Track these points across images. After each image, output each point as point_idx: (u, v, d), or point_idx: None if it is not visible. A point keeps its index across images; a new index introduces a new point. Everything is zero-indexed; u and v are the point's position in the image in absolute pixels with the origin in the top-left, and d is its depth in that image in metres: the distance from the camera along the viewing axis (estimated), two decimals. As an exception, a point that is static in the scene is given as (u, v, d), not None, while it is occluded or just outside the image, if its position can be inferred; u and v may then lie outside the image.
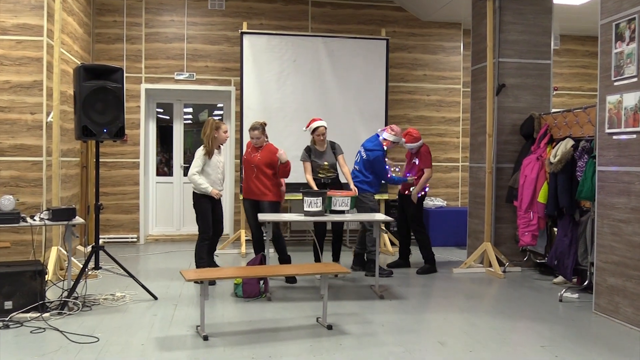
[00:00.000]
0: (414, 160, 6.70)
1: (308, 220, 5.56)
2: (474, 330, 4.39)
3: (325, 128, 6.22)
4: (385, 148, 6.38)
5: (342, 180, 6.45)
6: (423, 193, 6.63)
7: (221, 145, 5.99)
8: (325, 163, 6.26)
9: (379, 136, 6.41)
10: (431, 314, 4.86)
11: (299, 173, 7.22)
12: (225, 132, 5.92)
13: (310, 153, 6.27)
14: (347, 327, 4.39)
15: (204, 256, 5.80)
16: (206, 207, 5.76)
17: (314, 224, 6.21)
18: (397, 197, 7.13)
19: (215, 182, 5.83)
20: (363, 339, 4.13)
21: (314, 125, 6.20)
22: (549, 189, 5.89)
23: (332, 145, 6.35)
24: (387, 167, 6.36)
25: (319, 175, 6.25)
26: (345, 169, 6.27)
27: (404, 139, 6.57)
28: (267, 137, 6.05)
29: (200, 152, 5.82)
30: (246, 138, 7.70)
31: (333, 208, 5.67)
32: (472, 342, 4.10)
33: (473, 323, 4.58)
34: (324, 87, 8.07)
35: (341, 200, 5.64)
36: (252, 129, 5.97)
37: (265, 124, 6.04)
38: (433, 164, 6.85)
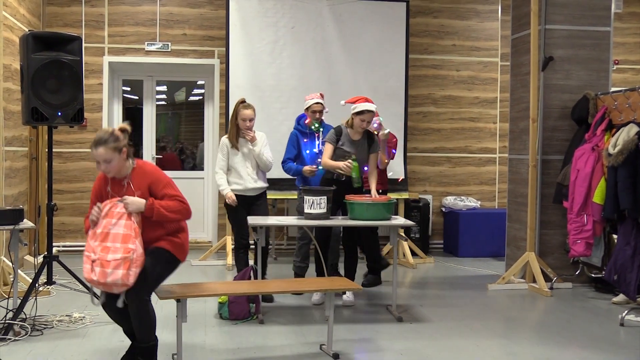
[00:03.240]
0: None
1: (310, 225, 5.57)
2: (513, 360, 4.40)
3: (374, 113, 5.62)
4: (312, 124, 6.19)
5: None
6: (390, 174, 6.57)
7: (250, 130, 5.85)
8: (353, 156, 5.66)
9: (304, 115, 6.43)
10: (460, 340, 4.87)
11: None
12: (244, 120, 5.79)
13: (339, 137, 5.70)
14: (358, 356, 4.40)
15: (242, 267, 5.86)
16: (230, 210, 5.93)
17: (317, 231, 6.08)
18: (405, 197, 7.00)
19: (245, 179, 5.87)
20: (377, 370, 4.14)
21: (361, 106, 5.53)
22: (607, 187, 5.89)
23: (371, 136, 5.80)
24: (291, 147, 6.23)
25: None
26: (374, 175, 5.77)
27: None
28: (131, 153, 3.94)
29: (222, 141, 5.99)
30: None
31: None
32: (512, 375, 4.11)
33: (512, 351, 4.59)
34: (328, 60, 8.06)
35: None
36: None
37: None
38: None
